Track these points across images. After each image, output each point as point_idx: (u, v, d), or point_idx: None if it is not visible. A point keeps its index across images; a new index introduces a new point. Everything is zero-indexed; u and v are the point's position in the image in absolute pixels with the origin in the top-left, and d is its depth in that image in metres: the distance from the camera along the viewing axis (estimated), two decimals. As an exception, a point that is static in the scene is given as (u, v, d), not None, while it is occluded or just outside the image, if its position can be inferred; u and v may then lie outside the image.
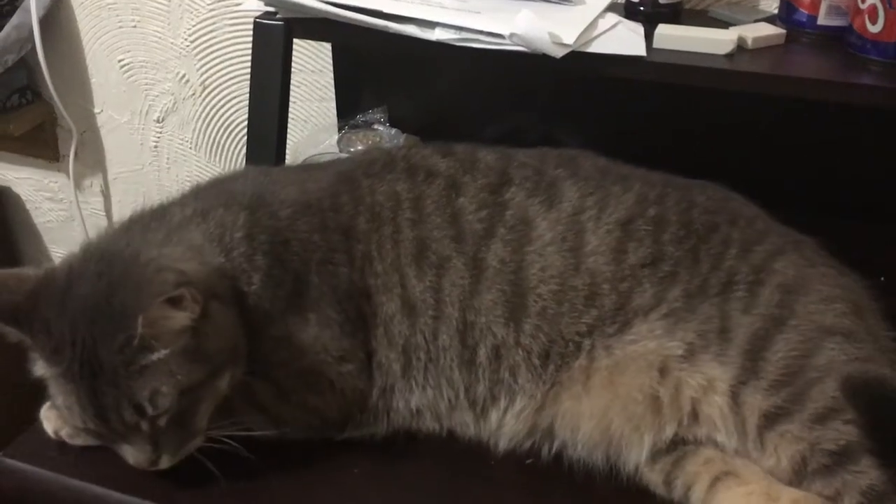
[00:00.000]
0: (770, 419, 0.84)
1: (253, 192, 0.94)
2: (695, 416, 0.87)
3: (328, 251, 0.91)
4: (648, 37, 1.09)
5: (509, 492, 0.90)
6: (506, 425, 0.92)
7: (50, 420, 0.90)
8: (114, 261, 0.82)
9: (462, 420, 0.94)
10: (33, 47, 1.64)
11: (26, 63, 1.73)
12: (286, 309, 0.89)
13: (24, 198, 1.99)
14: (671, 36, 1.08)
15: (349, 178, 0.97)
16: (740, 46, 1.08)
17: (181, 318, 0.78)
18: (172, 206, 0.93)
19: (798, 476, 0.83)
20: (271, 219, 0.91)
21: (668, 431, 0.87)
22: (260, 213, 0.91)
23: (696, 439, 0.88)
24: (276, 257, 0.89)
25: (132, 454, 0.81)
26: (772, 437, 0.84)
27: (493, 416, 0.92)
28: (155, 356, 0.78)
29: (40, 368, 0.82)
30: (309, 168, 1.09)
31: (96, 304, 0.79)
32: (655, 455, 0.88)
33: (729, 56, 1.06)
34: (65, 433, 0.89)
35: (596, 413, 0.88)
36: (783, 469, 0.84)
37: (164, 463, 0.82)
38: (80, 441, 0.89)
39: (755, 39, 1.08)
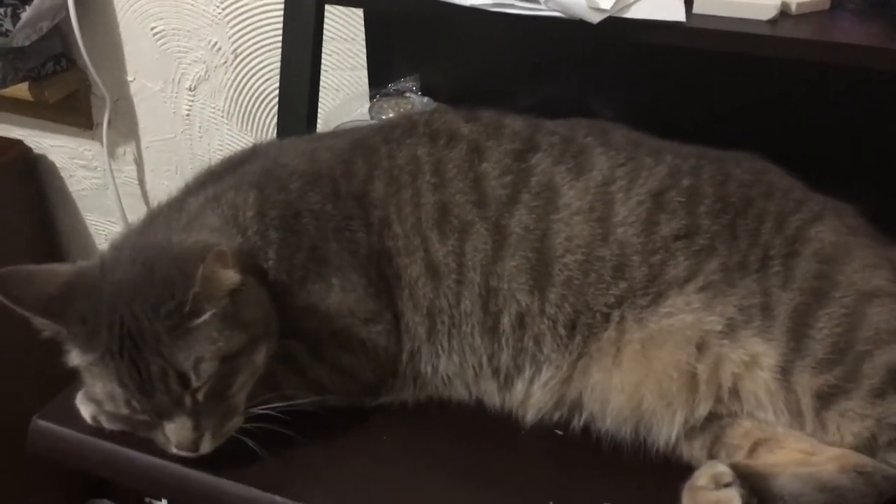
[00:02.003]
0: (824, 399, 0.82)
1: (262, 170, 0.95)
2: (735, 392, 0.86)
3: (343, 219, 0.92)
4: (688, 1, 1.06)
5: (536, 462, 0.90)
6: (533, 396, 0.91)
7: (87, 406, 0.90)
8: (146, 248, 0.85)
9: (487, 389, 0.93)
10: (67, 14, 1.65)
11: (60, 30, 1.73)
12: (306, 277, 0.90)
13: (58, 166, 2.01)
14: (712, 1, 1.04)
15: (365, 145, 0.97)
16: (783, 12, 1.04)
17: (230, 276, 0.80)
18: (187, 196, 0.95)
19: (869, 452, 0.81)
20: (281, 193, 0.92)
21: (702, 410, 0.86)
22: (269, 189, 0.92)
23: (734, 413, 0.87)
24: (288, 230, 0.90)
25: (175, 432, 0.81)
26: (832, 417, 0.82)
27: (519, 386, 0.92)
28: (199, 321, 0.79)
29: (75, 358, 0.83)
30: (322, 137, 1.09)
31: (135, 284, 0.81)
32: (691, 433, 0.87)
33: (772, 22, 1.03)
34: (103, 418, 0.89)
35: (627, 388, 0.87)
36: (848, 446, 0.82)
37: (206, 444, 0.82)
38: (116, 427, 0.88)
39: (799, 5, 1.05)
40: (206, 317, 0.79)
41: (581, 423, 0.91)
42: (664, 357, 0.86)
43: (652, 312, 0.88)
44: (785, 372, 0.83)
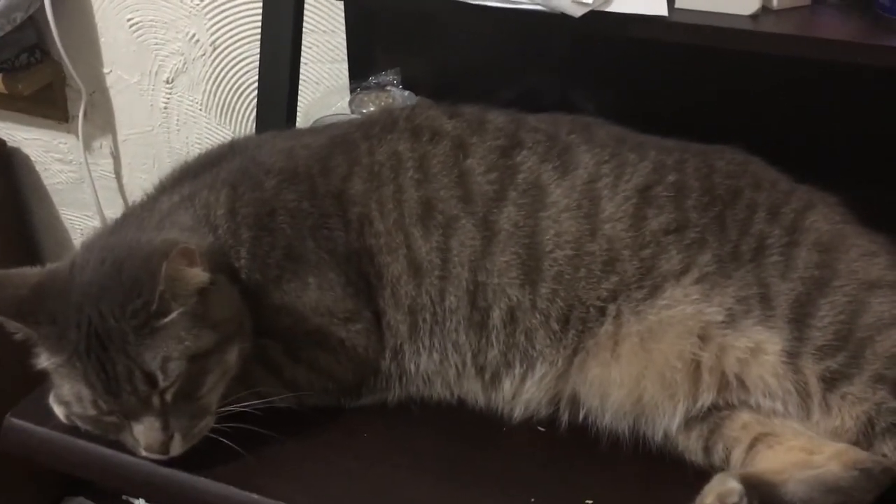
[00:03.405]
0: (828, 382, 0.83)
1: (237, 168, 0.94)
2: (741, 379, 0.86)
3: (321, 217, 0.91)
4: (670, -4, 1.06)
5: (518, 459, 0.89)
6: (525, 393, 0.91)
7: (58, 407, 0.88)
8: (115, 248, 0.84)
9: (471, 388, 0.93)
10: (42, 5, 1.62)
11: (35, 21, 1.70)
12: (281, 276, 0.89)
13: (33, 159, 1.98)
14: (694, -5, 1.04)
15: (344, 141, 0.97)
16: (765, 7, 1.04)
17: (197, 274, 0.79)
18: (161, 195, 0.95)
19: (866, 437, 0.83)
20: (255, 191, 0.91)
21: (706, 398, 0.87)
22: (242, 187, 0.91)
23: (734, 404, 0.87)
24: (262, 228, 0.89)
25: (143, 434, 0.80)
26: (834, 399, 0.84)
27: (507, 384, 0.91)
28: (166, 320, 0.78)
29: (44, 360, 0.83)
30: (301, 134, 1.08)
31: (103, 284, 0.80)
32: (689, 423, 0.87)
33: (754, 17, 1.03)
34: (75, 420, 0.87)
35: (627, 381, 0.88)
36: (848, 429, 0.83)
37: (176, 446, 0.81)
38: (88, 428, 0.86)
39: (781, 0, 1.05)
40: (173, 315, 0.78)
41: (579, 418, 0.91)
42: (665, 348, 0.87)
43: (650, 305, 0.88)
44: (791, 355, 0.85)
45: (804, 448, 0.83)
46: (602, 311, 0.89)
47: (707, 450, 0.87)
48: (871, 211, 0.93)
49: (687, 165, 0.94)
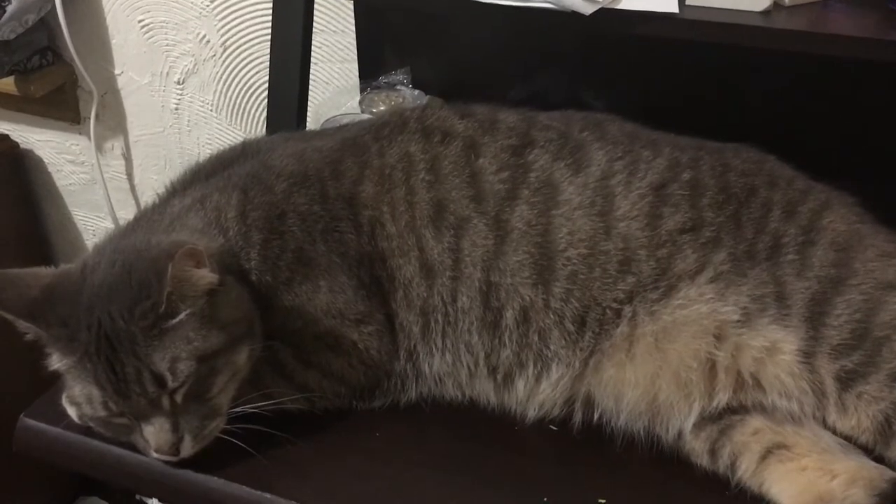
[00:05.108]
0: (843, 382, 0.83)
1: (248, 171, 0.94)
2: (756, 379, 0.86)
3: (331, 220, 0.91)
4: (681, -7, 1.05)
5: (531, 458, 0.89)
6: (540, 393, 0.91)
7: (70, 408, 0.88)
8: (125, 250, 0.84)
9: (483, 389, 0.93)
10: (53, 7, 1.63)
11: (46, 23, 1.71)
12: (292, 279, 0.89)
13: (45, 161, 1.99)
14: (705, -8, 1.04)
15: (355, 144, 0.97)
16: (777, 3, 1.04)
17: (204, 275, 0.79)
18: (172, 197, 0.95)
19: (882, 436, 0.83)
20: (266, 194, 0.91)
21: (722, 398, 0.86)
22: (253, 191, 0.91)
23: (748, 407, 0.87)
24: (272, 231, 0.89)
25: (154, 435, 0.81)
26: (850, 398, 0.83)
27: (520, 384, 0.91)
28: (174, 321, 0.78)
29: (56, 361, 0.83)
30: (312, 137, 1.08)
31: (113, 285, 0.80)
32: (701, 423, 0.87)
33: (765, 13, 1.02)
34: (87, 421, 0.88)
35: (642, 381, 0.87)
36: (865, 429, 0.83)
37: (187, 447, 0.81)
38: (100, 430, 0.87)
39: (793, -4, 1.05)
40: (181, 317, 0.79)
41: (594, 418, 0.90)
42: (680, 348, 0.87)
43: (664, 305, 0.88)
44: (807, 355, 0.84)
45: (818, 468, 0.83)
46: (618, 313, 0.88)
47: (713, 453, 0.86)
48: (886, 208, 0.92)
49: (702, 163, 0.94)
